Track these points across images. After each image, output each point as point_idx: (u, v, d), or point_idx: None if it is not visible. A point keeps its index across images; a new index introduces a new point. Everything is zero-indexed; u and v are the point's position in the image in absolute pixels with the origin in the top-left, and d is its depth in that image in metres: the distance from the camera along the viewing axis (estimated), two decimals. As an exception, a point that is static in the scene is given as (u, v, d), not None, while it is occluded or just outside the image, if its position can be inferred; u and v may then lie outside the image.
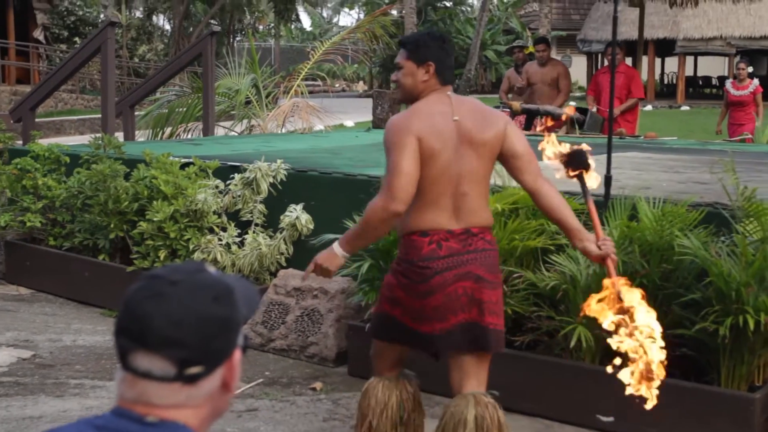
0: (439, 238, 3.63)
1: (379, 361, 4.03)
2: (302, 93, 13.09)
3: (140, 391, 1.58)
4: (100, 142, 7.53)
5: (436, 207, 3.62)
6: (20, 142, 10.02)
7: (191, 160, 7.11)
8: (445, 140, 3.57)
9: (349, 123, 22.17)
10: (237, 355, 1.63)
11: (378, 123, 11.88)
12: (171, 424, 1.57)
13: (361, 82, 50.07)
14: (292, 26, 50.60)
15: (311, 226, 6.37)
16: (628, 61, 14.08)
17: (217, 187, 6.78)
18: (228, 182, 6.80)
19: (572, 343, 4.69)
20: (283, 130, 12.31)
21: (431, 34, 3.82)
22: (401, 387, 4.01)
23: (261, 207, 6.65)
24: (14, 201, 7.68)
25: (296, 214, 6.38)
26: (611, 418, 4.71)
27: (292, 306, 6.09)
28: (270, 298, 6.21)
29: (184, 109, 12.48)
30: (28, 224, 7.36)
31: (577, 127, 10.32)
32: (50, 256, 7.47)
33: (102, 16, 32.88)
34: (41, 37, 29.04)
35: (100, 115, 22.34)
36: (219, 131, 12.10)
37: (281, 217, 6.45)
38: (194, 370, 1.57)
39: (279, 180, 6.64)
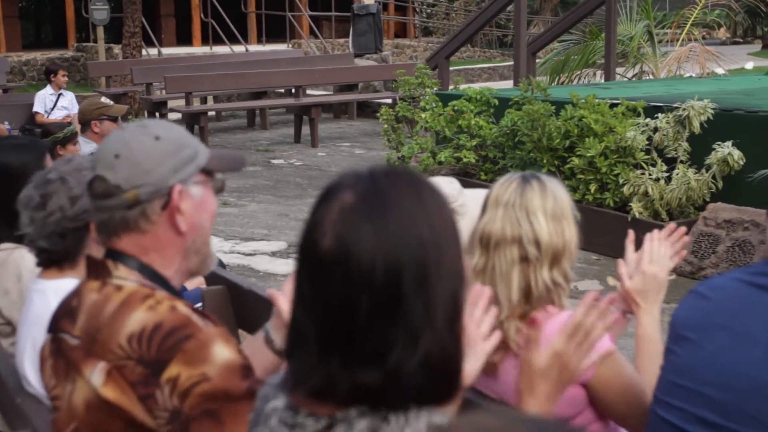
0: None
1: None
2: (695, 39, 13.17)
3: None
4: (529, 85, 8.20)
5: None
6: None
7: (617, 101, 7.59)
8: None
9: (719, 70, 21.63)
10: None
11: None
12: None
13: (722, 29, 47.94)
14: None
15: (742, 162, 6.65)
16: None
17: (647, 124, 7.20)
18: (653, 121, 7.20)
19: None
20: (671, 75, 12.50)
21: None
22: None
23: (686, 145, 7.01)
24: (446, 139, 8.54)
25: (728, 150, 6.67)
26: None
27: (723, 237, 6.44)
28: (699, 230, 6.60)
29: (577, 56, 12.98)
30: (464, 160, 8.19)
31: None
32: (482, 188, 8.24)
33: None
34: (418, -8, 30.57)
35: (476, 66, 23.46)
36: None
37: (712, 154, 6.76)
38: None
39: (705, 119, 6.96)
